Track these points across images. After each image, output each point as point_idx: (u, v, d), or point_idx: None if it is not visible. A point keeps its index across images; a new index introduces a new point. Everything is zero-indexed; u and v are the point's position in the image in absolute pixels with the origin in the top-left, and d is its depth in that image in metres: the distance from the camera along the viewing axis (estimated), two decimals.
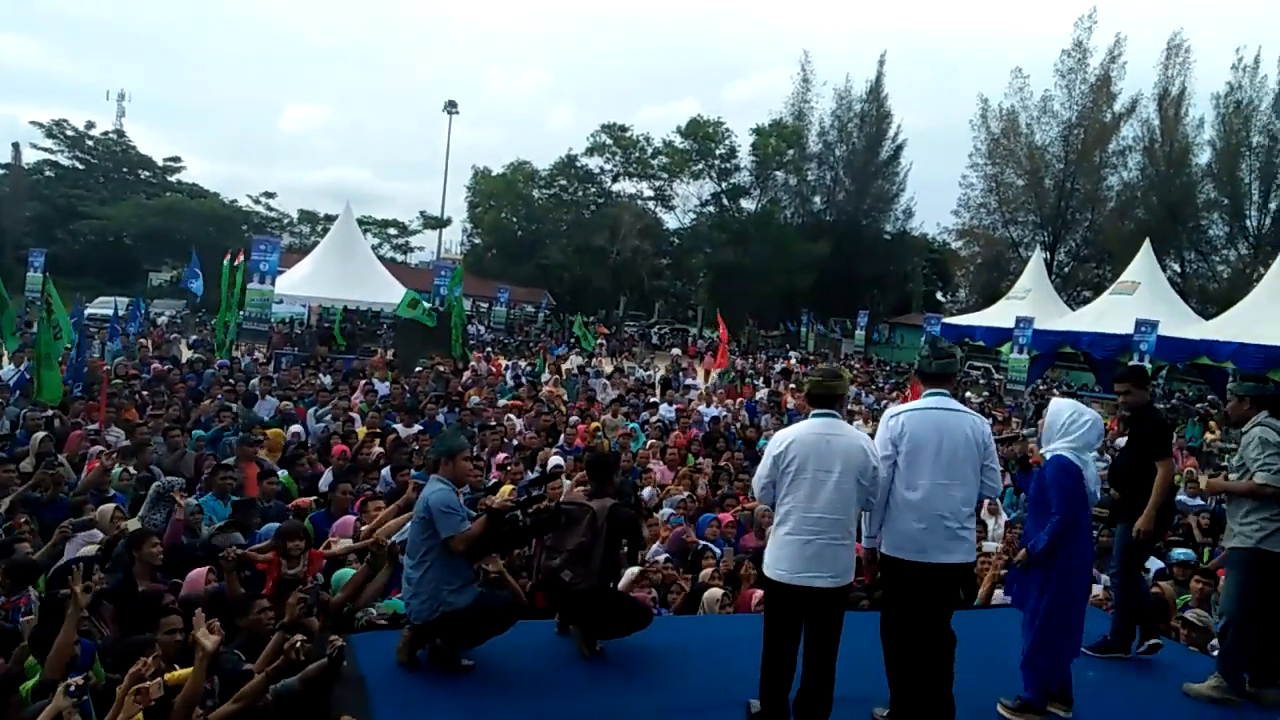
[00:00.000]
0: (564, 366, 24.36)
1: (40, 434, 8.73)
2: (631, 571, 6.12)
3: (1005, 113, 52.17)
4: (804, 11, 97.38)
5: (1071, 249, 53.51)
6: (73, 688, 3.70)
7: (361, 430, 11.28)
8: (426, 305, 20.54)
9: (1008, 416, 20.36)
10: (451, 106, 53.06)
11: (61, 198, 53.83)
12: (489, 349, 29.05)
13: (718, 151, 55.57)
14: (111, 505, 6.87)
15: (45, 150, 56.71)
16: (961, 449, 4.31)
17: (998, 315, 34.23)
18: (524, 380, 20.00)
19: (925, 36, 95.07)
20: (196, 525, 6.75)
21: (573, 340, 34.27)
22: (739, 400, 18.14)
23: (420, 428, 11.84)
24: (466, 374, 19.11)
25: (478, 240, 60.16)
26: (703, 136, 54.83)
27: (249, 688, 4.32)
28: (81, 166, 58.08)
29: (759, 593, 6.15)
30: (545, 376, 21.29)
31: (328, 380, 15.61)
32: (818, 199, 58.46)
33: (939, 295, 62.53)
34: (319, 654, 4.48)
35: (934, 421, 4.36)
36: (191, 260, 27.04)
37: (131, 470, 8.15)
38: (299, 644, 4.36)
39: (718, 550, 7.41)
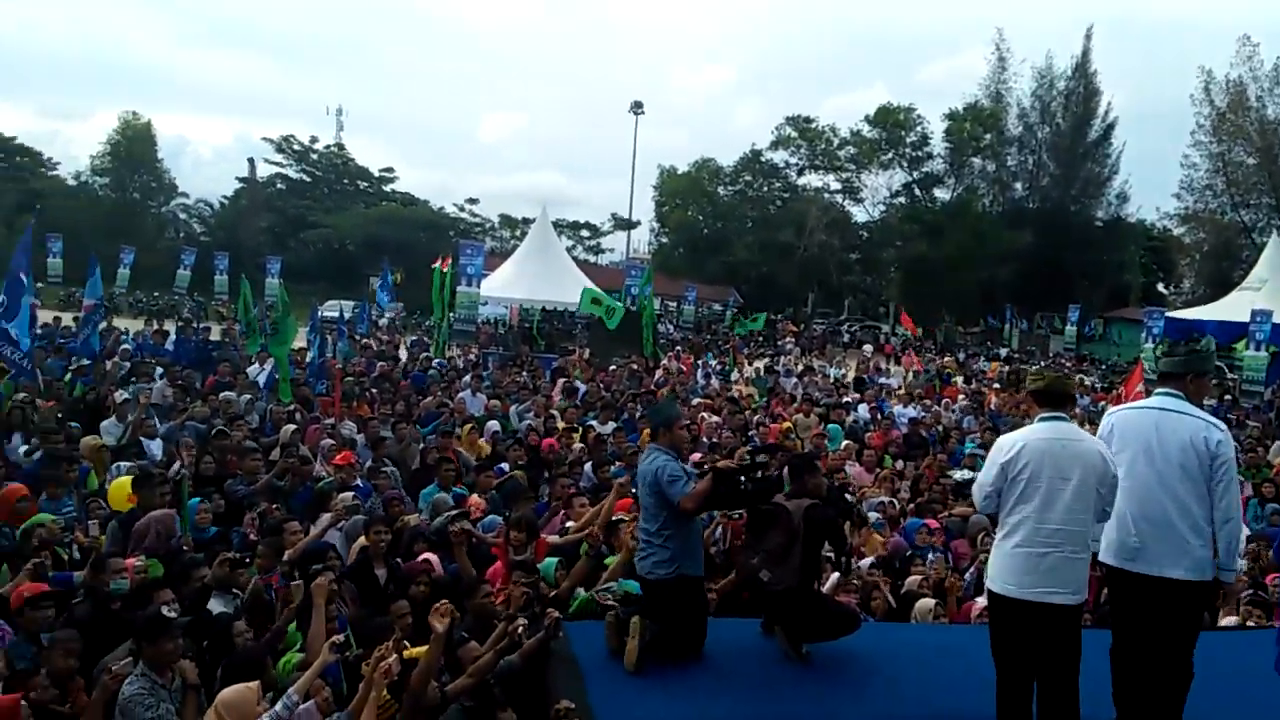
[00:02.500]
0: (753, 365, 24.36)
1: (290, 427, 9.71)
2: (834, 577, 6.08)
3: (1231, 85, 46.81)
4: None
5: None
6: (336, 644, 4.22)
7: (561, 426, 11.79)
8: (607, 303, 21.08)
9: (1244, 419, 18.47)
10: (637, 107, 54.05)
11: (292, 209, 59.36)
12: (678, 348, 29.46)
13: (908, 139, 53.61)
14: (350, 494, 7.54)
15: (276, 164, 62.75)
16: (1175, 455, 3.96)
17: (1230, 308, 31.01)
18: (714, 379, 20.18)
19: (1135, 6, 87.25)
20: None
21: (760, 339, 34.15)
22: (944, 401, 17.47)
23: (617, 425, 12.22)
24: (658, 372, 19.50)
25: (665, 239, 61.00)
26: (892, 124, 53.06)
27: (480, 664, 4.66)
28: (308, 179, 63.74)
29: (978, 605, 5.94)
30: (735, 375, 21.38)
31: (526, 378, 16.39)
32: (1019, 185, 54.99)
33: (1160, 287, 57.20)
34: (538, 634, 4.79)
35: (1149, 422, 4.05)
36: (383, 270, 28.91)
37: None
38: (521, 627, 4.66)
39: (929, 557, 7.19)
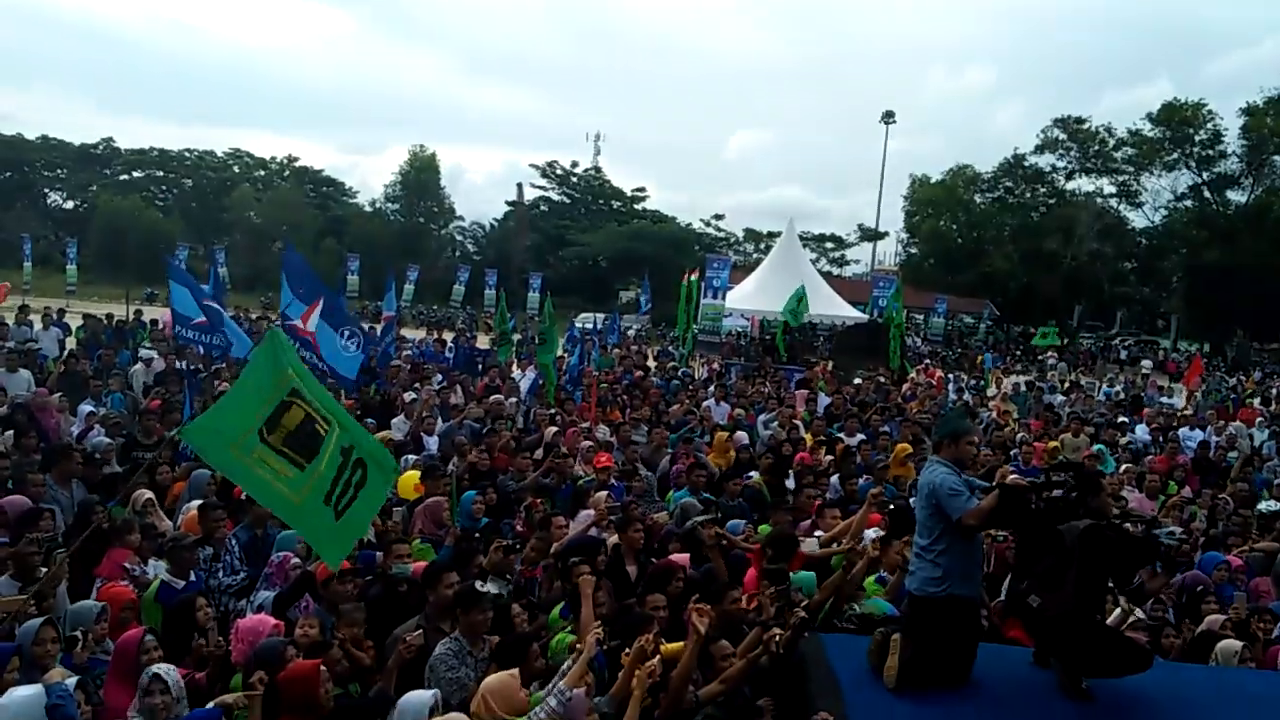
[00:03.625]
0: (1009, 380, 22.88)
1: (553, 429, 10.33)
2: (1116, 613, 5.56)
3: None
4: None
5: None
6: (600, 637, 4.46)
7: (808, 438, 11.66)
8: (796, 305, 20.53)
9: None
10: (889, 117, 52.56)
11: (553, 228, 63.33)
12: (926, 361, 28.23)
13: (1197, 138, 48.07)
14: (604, 494, 7.89)
15: (540, 188, 67.30)
16: None
17: None
18: (967, 393, 19.16)
19: None
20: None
21: (1020, 353, 31.97)
22: (1238, 424, 15.54)
23: (863, 437, 11.91)
24: (906, 385, 18.80)
25: (914, 250, 58.80)
26: (1179, 122, 47.81)
27: (733, 671, 4.69)
28: (568, 201, 67.82)
29: None
30: (992, 391, 20.18)
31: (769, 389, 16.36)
32: None
33: None
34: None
35: None
36: (644, 282, 29.99)
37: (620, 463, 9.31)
38: (779, 637, 4.65)
39: (1232, 595, 6.42)
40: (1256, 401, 21.80)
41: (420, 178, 63.47)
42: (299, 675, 4.14)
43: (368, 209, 66.41)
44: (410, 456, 9.20)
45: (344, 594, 5.36)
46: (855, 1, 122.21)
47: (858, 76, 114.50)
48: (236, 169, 69.60)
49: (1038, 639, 4.98)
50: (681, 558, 6.41)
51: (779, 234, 31.99)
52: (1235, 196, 48.89)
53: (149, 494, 6.90)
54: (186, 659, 4.70)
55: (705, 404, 13.55)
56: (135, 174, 67.41)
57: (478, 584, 4.96)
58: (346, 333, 10.35)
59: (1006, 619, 5.54)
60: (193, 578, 5.74)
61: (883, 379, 18.64)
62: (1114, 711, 4.53)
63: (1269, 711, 4.10)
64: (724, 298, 24.41)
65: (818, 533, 7.09)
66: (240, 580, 6.00)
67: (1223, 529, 8.46)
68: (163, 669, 4.16)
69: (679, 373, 17.68)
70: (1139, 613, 5.54)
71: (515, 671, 4.35)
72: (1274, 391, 25.54)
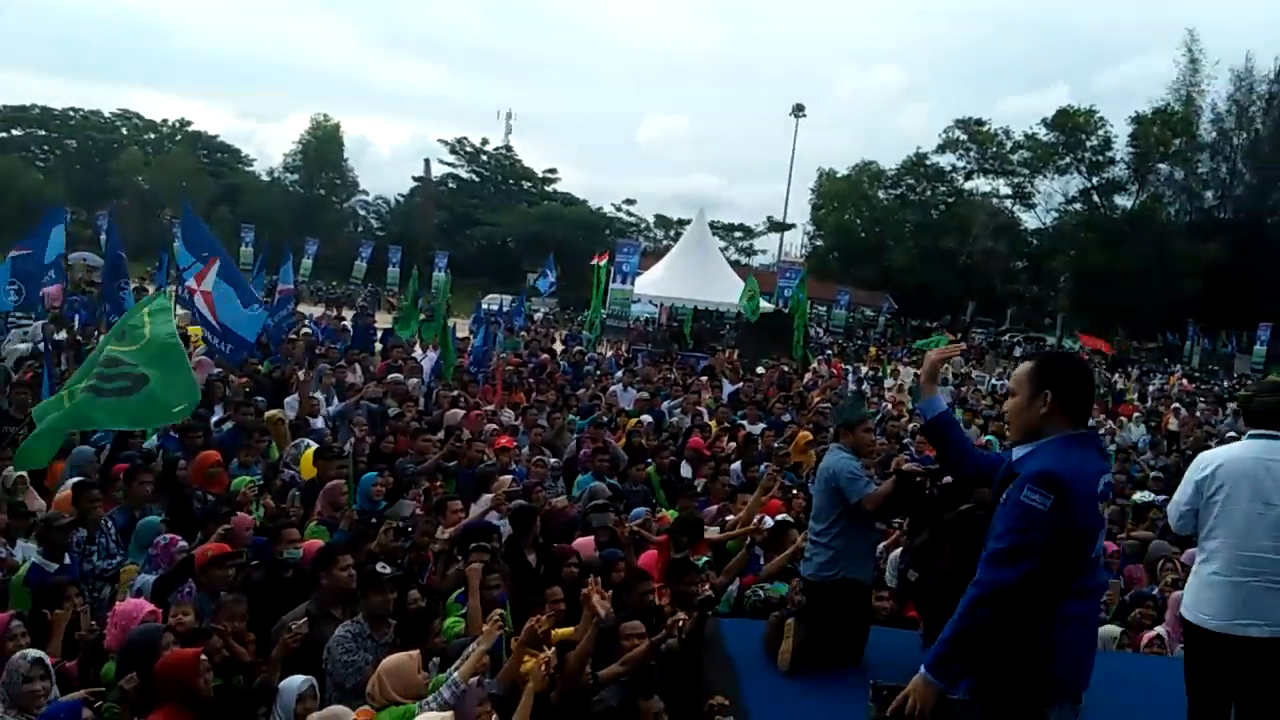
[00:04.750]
0: (906, 372, 23.62)
1: (457, 411, 10.13)
2: None
3: None
4: None
5: None
6: (499, 615, 4.37)
7: (713, 424, 11.77)
8: (753, 299, 20.86)
9: None
10: (799, 110, 53.40)
11: (461, 207, 62.21)
12: (828, 352, 28.90)
13: (1089, 143, 50.55)
14: (509, 477, 7.78)
15: (449, 165, 65.92)
16: None
17: None
18: (865, 385, 19.68)
19: None
20: None
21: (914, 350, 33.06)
22: (1119, 419, 16.43)
23: (765, 425, 12.10)
24: (808, 376, 19.20)
25: (820, 242, 60.06)
26: (1072, 127, 50.13)
27: (636, 653, 4.68)
28: (477, 179, 66.57)
29: (1147, 634, 5.54)
30: (889, 383, 20.79)
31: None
32: (1209, 194, 51.05)
33: None
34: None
35: None
36: (547, 264, 29.75)
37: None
38: (683, 621, 4.67)
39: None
40: (1135, 398, 23.08)
41: (322, 148, 61.46)
42: (176, 664, 3.93)
43: (265, 178, 63.95)
44: (304, 440, 8.88)
45: (223, 578, 5.14)
46: None
47: (771, 69, 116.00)
48: (125, 131, 65.74)
49: (924, 617, 5.12)
50: (585, 542, 6.38)
51: (689, 221, 32.18)
52: (1122, 201, 51.68)
53: (20, 471, 6.46)
54: (52, 645, 4.41)
55: (613, 389, 13.54)
56: (15, 132, 62.85)
57: (380, 566, 4.80)
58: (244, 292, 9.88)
59: (903, 602, 5.69)
60: (67, 560, 5.41)
61: (785, 368, 18.98)
62: None
63: (1142, 692, 4.31)
64: (633, 283, 24.45)
65: (729, 517, 7.17)
66: (116, 565, 5.68)
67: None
68: (40, 654, 3.90)
69: (586, 357, 17.61)
70: None
71: (415, 653, 4.23)
72: (1150, 389, 27.10)
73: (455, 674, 4.09)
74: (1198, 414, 19.21)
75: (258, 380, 11.27)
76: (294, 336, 13.96)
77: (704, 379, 15.89)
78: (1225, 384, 32.48)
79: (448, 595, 5.56)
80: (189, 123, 66.91)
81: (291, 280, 15.04)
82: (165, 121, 67.20)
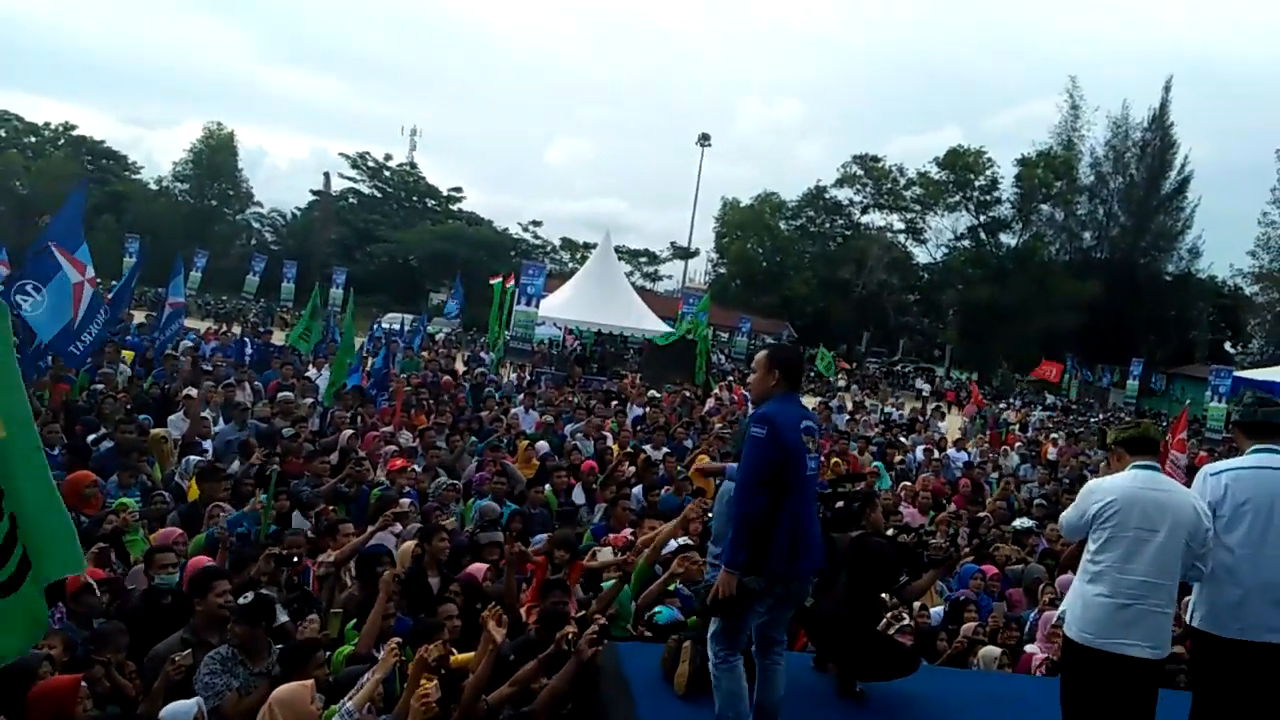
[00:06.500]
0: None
1: (348, 431, 9.86)
2: (888, 616, 5.94)
3: None
4: (1074, 35, 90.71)
5: None
6: (395, 643, 4.22)
7: (615, 448, 11.78)
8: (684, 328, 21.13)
9: None
10: (704, 139, 54.38)
11: (361, 222, 60.88)
12: (730, 378, 29.33)
13: (977, 183, 53.18)
14: (406, 501, 7.62)
15: (350, 179, 64.52)
16: None
17: None
18: None
19: (1217, 61, 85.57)
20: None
21: (812, 375, 33.87)
22: (1000, 448, 17.15)
23: (668, 450, 12.17)
24: (710, 401, 19.42)
25: (723, 270, 61.13)
26: (961, 167, 52.70)
27: (523, 673, 4.63)
28: (379, 195, 65.39)
29: (1038, 656, 5.78)
30: None
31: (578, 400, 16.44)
32: (1087, 235, 54.39)
33: (1227, 345, 55.57)
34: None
35: (1264, 481, 3.88)
36: (455, 284, 29.47)
37: (417, 469, 9.01)
38: (570, 635, 4.64)
39: (989, 606, 7.00)
40: (1016, 429, 24.17)
41: (215, 158, 59.29)
42: (53, 692, 3.69)
43: (153, 187, 61.28)
44: (192, 458, 8.52)
45: (96, 605, 4.87)
46: (679, 23, 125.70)
47: (678, 97, 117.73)
48: (4, 133, 62.10)
49: (817, 643, 5.23)
50: (479, 568, 6.28)
51: (595, 245, 32.33)
52: (1007, 239, 54.45)
53: None
54: None
55: (514, 411, 13.41)
56: None
57: (242, 597, 4.59)
58: (30, 285, 8.94)
59: (792, 625, 5.77)
60: None
61: (688, 393, 19.17)
62: (884, 713, 4.82)
63: (1020, 712, 4.49)
64: (538, 305, 24.35)
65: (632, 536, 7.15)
66: None
67: (981, 543, 9.23)
68: None
69: (487, 379, 17.42)
70: (905, 618, 5.95)
71: (309, 683, 4.07)
72: (1031, 419, 28.42)
73: (349, 704, 3.97)
74: (1077, 445, 20.26)
75: (140, 398, 10.75)
76: (174, 352, 13.33)
77: (614, 404, 15.92)
78: (1100, 416, 34.37)
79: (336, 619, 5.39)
80: (73, 126, 63.90)
81: (181, 293, 14.38)
82: (48, 125, 63.91)
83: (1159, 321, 51.28)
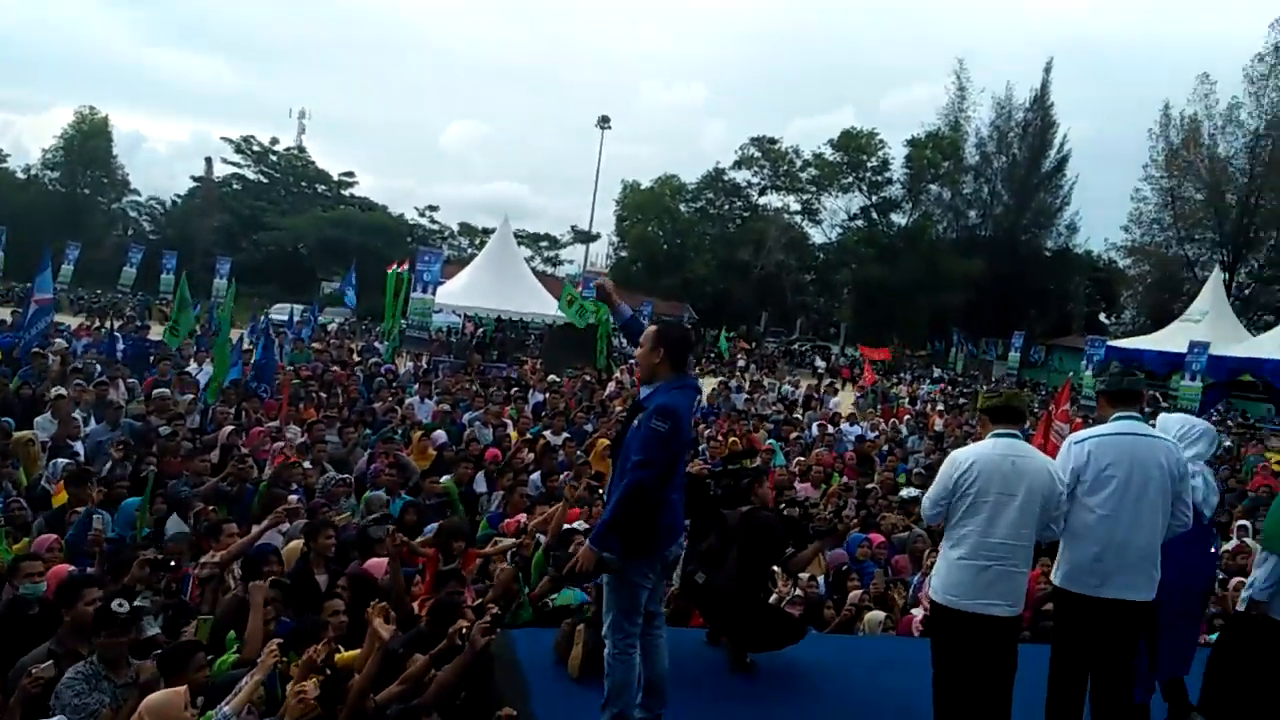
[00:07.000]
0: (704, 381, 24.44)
1: (229, 428, 9.50)
2: (778, 588, 6.11)
3: (1187, 121, 48.35)
4: (964, 18, 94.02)
5: (1254, 269, 49.29)
6: (276, 645, 4.13)
7: (514, 435, 11.72)
8: (579, 305, 21.06)
9: None
10: (604, 122, 54.17)
11: (247, 209, 58.49)
12: (631, 361, 29.45)
13: (869, 164, 54.55)
14: (294, 497, 7.41)
15: (234, 164, 61.92)
16: (1155, 479, 4.06)
17: (1169, 339, 31.89)
18: None
19: (1095, 42, 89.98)
20: None
21: (713, 355, 34.35)
22: (890, 421, 17.76)
23: (568, 435, 12.17)
24: (611, 385, 19.48)
25: (624, 253, 61.20)
26: (854, 149, 53.96)
27: (413, 670, 4.57)
28: (265, 180, 62.89)
29: (916, 617, 6.02)
30: None
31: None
32: (973, 213, 56.45)
33: (1102, 316, 58.85)
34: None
35: (1125, 448, 4.11)
36: (349, 273, 28.71)
37: (307, 465, 8.76)
38: (463, 629, 4.60)
39: (872, 571, 7.27)
40: (906, 401, 25.07)
41: (88, 144, 56.01)
42: None
43: (20, 176, 57.53)
44: (60, 461, 8.08)
45: None
46: (577, 5, 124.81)
47: (578, 80, 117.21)
48: None
49: (708, 618, 5.33)
50: (378, 563, 6.16)
51: (494, 230, 31.91)
52: (897, 219, 56.01)
53: None
54: None
55: (409, 402, 13.17)
56: None
57: (116, 603, 4.37)
58: None
59: (685, 602, 5.87)
60: None
61: (588, 378, 19.18)
62: (773, 682, 4.96)
63: (902, 673, 4.68)
64: (435, 292, 23.92)
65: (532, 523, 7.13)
66: None
67: (871, 513, 9.56)
68: None
69: (381, 369, 17.05)
70: (796, 589, 6.13)
71: (182, 689, 3.90)
72: (920, 392, 29.50)
73: (227, 707, 3.84)
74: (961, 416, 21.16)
75: (5, 399, 10.11)
76: (40, 350, 12.58)
77: (514, 390, 15.79)
78: (985, 387, 35.93)
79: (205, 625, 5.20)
80: None
81: (50, 288, 13.53)
82: None
83: (1039, 295, 53.76)
